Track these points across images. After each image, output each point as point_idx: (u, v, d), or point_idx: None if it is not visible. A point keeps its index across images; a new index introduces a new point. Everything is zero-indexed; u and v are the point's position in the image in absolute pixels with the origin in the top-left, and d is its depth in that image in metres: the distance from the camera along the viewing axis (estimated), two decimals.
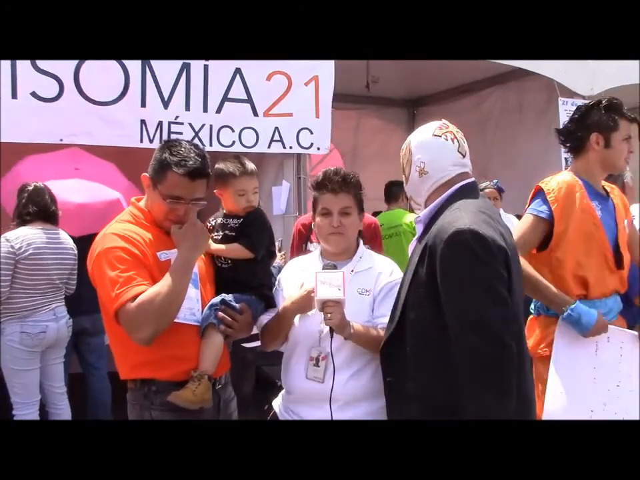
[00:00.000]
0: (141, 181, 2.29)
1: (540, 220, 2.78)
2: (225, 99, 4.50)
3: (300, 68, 4.64)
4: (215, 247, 2.43)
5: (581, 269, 2.77)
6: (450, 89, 7.43)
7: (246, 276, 2.43)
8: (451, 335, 1.83)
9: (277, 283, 2.51)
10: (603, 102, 2.88)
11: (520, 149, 6.62)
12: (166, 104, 4.30)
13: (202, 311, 2.30)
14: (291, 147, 4.77)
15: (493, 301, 1.80)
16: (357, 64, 5.93)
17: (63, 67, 3.95)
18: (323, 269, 2.24)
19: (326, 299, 2.13)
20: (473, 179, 2.09)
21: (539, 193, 2.84)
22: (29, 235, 3.95)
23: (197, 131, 4.40)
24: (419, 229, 2.11)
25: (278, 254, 3.10)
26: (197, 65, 4.36)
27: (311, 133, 4.79)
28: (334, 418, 2.20)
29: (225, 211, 2.54)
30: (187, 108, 4.37)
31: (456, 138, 2.07)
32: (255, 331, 2.48)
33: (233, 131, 4.54)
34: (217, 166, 2.46)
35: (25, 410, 3.97)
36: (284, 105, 4.66)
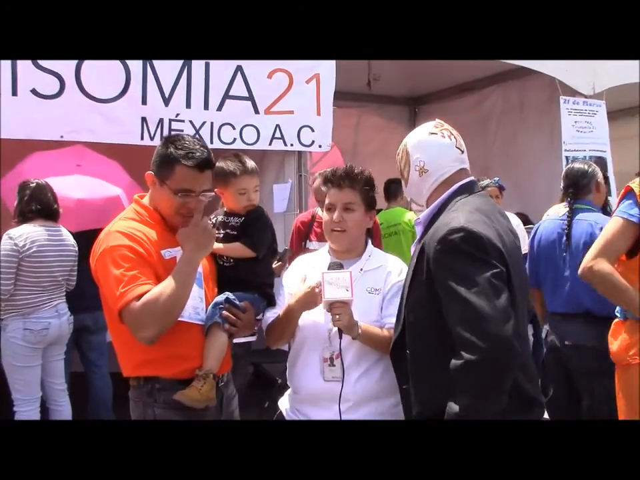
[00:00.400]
0: (145, 179, 2.27)
1: (630, 224, 2.56)
2: (226, 96, 4.50)
3: (301, 66, 4.65)
4: (216, 245, 2.43)
5: None
6: (451, 87, 7.41)
7: (247, 275, 2.43)
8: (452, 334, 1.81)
9: (282, 280, 2.49)
10: None
11: (521, 148, 6.60)
12: (167, 101, 4.31)
13: (206, 310, 2.29)
14: (292, 145, 4.77)
15: (489, 296, 1.74)
16: (358, 62, 5.91)
17: (64, 65, 3.95)
18: (329, 268, 2.20)
19: (334, 299, 2.11)
20: (471, 178, 2.07)
21: (630, 194, 2.61)
22: (32, 233, 3.97)
23: (197, 128, 4.40)
24: (419, 230, 2.10)
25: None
26: (198, 63, 4.36)
27: (312, 130, 4.79)
28: (345, 418, 2.18)
29: (225, 209, 2.54)
30: (188, 105, 4.38)
31: (452, 134, 2.06)
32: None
33: (234, 128, 4.55)
34: (216, 164, 2.44)
35: (26, 407, 3.98)
36: (285, 102, 4.67)
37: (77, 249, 4.16)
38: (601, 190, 3.66)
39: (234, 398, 2.46)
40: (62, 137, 4.10)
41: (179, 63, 4.31)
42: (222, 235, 2.47)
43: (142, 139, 4.25)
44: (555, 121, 5.89)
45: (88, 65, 3.99)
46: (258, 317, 2.43)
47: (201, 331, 2.26)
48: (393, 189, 5.62)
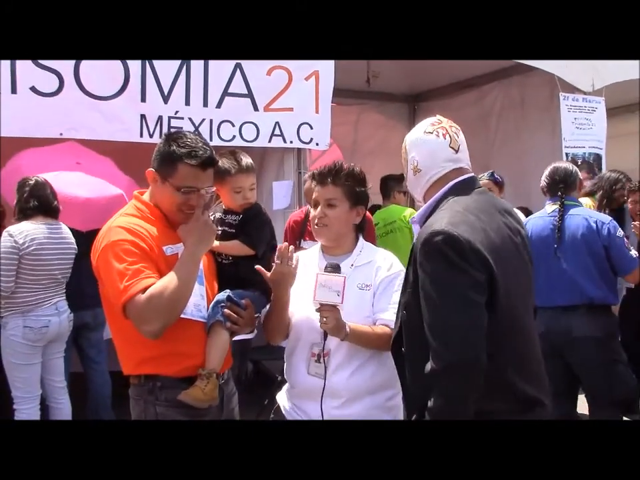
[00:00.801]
0: (146, 176, 2.27)
1: None
2: (225, 93, 4.50)
3: (300, 63, 4.64)
4: (215, 243, 2.43)
5: None
6: (451, 84, 7.40)
7: (247, 272, 2.41)
8: None
9: None
10: None
11: (522, 144, 6.60)
12: (166, 99, 4.31)
13: (207, 307, 2.29)
14: (291, 142, 4.78)
15: (459, 307, 1.75)
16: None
17: (64, 63, 3.95)
18: (326, 269, 2.20)
19: (323, 302, 2.13)
20: (469, 175, 2.04)
21: None
22: (32, 230, 3.96)
23: (197, 125, 4.40)
24: (415, 229, 2.08)
25: None
26: (197, 60, 4.35)
27: (311, 127, 4.79)
28: (338, 414, 2.21)
29: (223, 206, 2.53)
30: (187, 103, 4.38)
31: (448, 133, 2.02)
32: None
33: (234, 125, 4.54)
34: None
35: (26, 404, 3.98)
36: (284, 99, 4.66)
37: (75, 246, 4.15)
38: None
39: (234, 395, 2.47)
40: (61, 134, 4.10)
41: (178, 60, 4.29)
42: (220, 232, 2.47)
43: (141, 136, 4.25)
44: (556, 118, 5.88)
45: (87, 63, 3.99)
46: (258, 315, 2.43)
47: (202, 328, 2.26)
48: (390, 186, 5.52)
